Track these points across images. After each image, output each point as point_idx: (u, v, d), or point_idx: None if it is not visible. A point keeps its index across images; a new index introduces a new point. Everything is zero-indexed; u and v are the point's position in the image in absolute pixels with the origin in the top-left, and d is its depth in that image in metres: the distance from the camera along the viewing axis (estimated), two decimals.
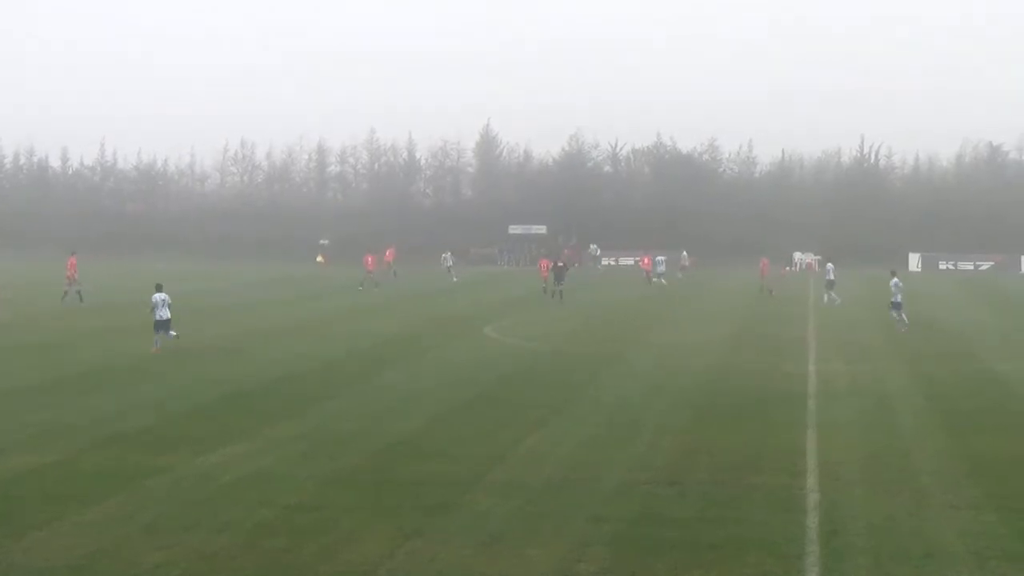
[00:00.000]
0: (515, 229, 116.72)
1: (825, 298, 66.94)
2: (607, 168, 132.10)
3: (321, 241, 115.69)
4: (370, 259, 78.64)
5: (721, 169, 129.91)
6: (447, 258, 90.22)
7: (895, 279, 52.84)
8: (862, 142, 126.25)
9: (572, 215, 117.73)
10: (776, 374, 37.36)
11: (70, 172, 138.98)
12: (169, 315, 41.97)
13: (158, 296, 41.95)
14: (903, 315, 51.70)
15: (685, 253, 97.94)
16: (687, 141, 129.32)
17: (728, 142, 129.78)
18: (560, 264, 68.81)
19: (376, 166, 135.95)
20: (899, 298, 51.98)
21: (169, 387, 33.37)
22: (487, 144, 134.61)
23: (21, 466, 23.17)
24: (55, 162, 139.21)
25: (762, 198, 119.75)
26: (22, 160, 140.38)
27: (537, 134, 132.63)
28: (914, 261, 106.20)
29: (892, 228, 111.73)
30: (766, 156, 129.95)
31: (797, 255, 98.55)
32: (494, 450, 25.02)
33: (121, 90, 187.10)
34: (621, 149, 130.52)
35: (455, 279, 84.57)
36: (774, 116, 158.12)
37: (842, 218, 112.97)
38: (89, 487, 21.49)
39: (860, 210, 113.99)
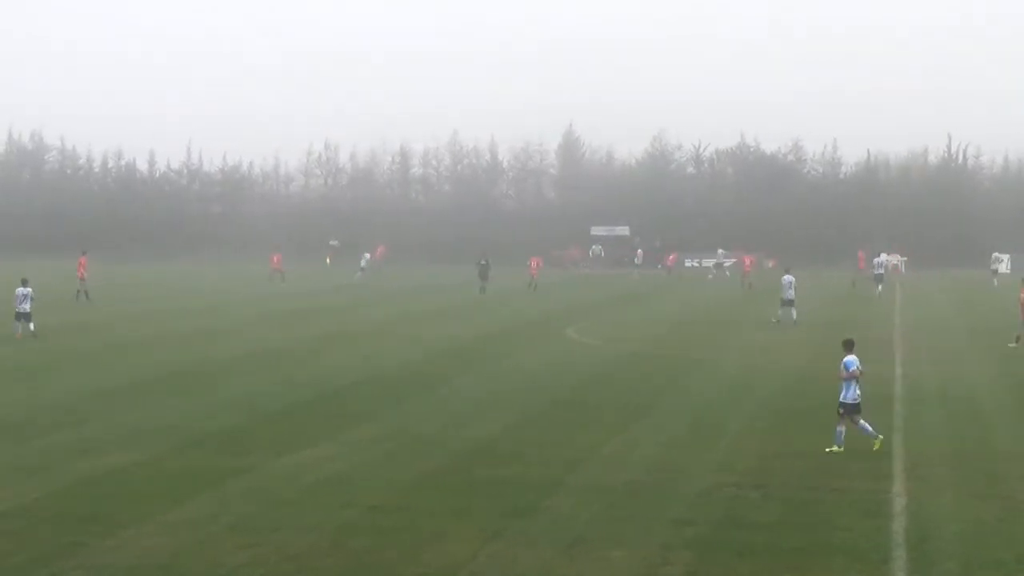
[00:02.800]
0: (598, 230, 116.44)
1: (878, 289, 72.08)
2: (690, 169, 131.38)
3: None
4: (276, 258, 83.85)
5: (805, 170, 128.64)
6: (365, 257, 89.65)
7: (788, 276, 54.16)
8: (949, 142, 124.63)
9: (655, 216, 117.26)
10: (862, 377, 36.86)
11: (157, 175, 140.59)
12: (29, 309, 45.49)
13: (21, 290, 45.54)
14: (792, 311, 53.05)
15: (721, 251, 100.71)
16: (770, 142, 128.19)
17: (811, 143, 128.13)
18: (483, 263, 73.31)
19: (459, 168, 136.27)
20: (791, 295, 53.37)
21: (253, 389, 33.66)
22: (570, 145, 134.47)
23: (110, 466, 23.48)
24: (143, 165, 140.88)
25: (847, 199, 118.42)
26: (110, 163, 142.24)
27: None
28: (1003, 262, 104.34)
29: (981, 229, 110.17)
30: (851, 157, 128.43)
31: (883, 256, 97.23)
32: (576, 452, 24.98)
33: (204, 90, 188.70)
34: (704, 150, 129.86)
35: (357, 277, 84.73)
36: (861, 116, 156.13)
37: (929, 219, 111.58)
38: (176, 487, 21.73)
39: (947, 211, 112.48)
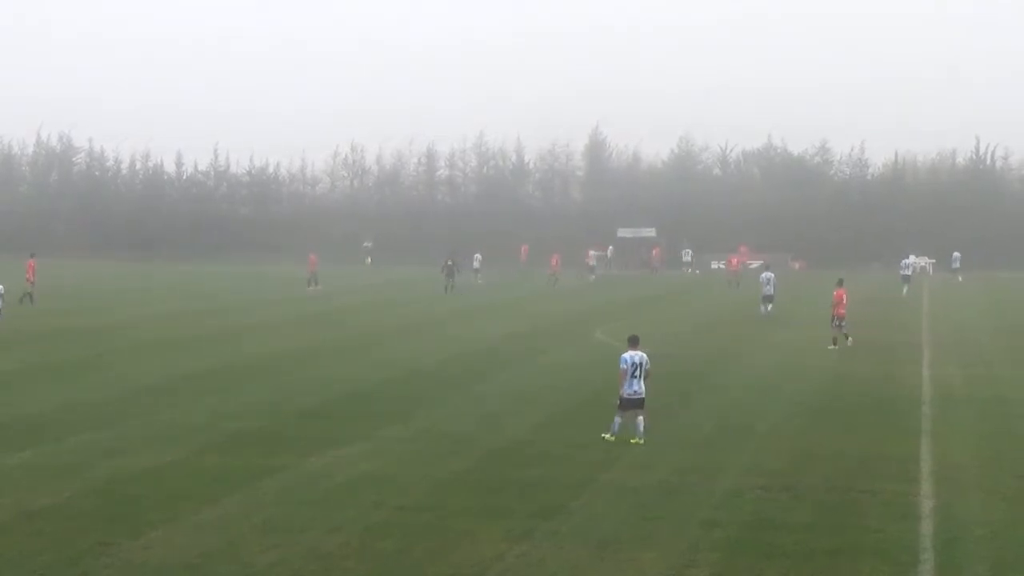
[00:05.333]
0: (624, 232, 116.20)
1: (904, 290, 74.73)
2: (716, 171, 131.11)
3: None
4: (313, 258, 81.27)
5: (832, 172, 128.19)
6: (477, 259, 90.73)
7: (767, 273, 57.60)
8: (978, 143, 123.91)
9: (682, 217, 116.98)
10: (889, 379, 36.88)
11: (184, 177, 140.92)
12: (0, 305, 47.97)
13: None
14: (769, 307, 56.23)
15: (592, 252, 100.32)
16: (797, 143, 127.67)
17: (839, 143, 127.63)
18: (449, 263, 76.53)
19: (484, 169, 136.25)
20: (770, 291, 56.41)
21: (283, 388, 33.77)
22: (596, 147, 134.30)
23: (140, 466, 23.57)
24: (170, 167, 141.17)
25: (875, 200, 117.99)
26: (138, 165, 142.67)
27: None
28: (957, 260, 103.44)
29: (1010, 231, 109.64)
30: (879, 158, 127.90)
31: (912, 257, 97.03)
32: (604, 453, 25.00)
33: (227, 89, 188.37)
34: (731, 152, 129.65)
35: (480, 281, 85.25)
36: (886, 112, 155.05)
37: (957, 221, 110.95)
38: (205, 487, 21.81)
39: (976, 213, 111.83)
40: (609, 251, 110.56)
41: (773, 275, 57.85)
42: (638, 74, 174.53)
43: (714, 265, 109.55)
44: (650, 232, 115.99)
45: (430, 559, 17.72)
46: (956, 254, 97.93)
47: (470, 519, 19.76)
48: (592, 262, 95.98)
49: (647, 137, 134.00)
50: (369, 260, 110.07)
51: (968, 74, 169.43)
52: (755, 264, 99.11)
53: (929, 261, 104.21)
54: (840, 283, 46.49)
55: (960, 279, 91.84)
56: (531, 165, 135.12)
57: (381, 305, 64.74)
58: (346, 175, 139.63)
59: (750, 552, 18.16)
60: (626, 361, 26.38)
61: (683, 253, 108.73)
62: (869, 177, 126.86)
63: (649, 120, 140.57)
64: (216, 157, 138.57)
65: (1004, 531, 19.39)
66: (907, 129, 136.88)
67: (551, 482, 22.35)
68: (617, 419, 26.25)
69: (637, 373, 26.28)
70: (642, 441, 25.73)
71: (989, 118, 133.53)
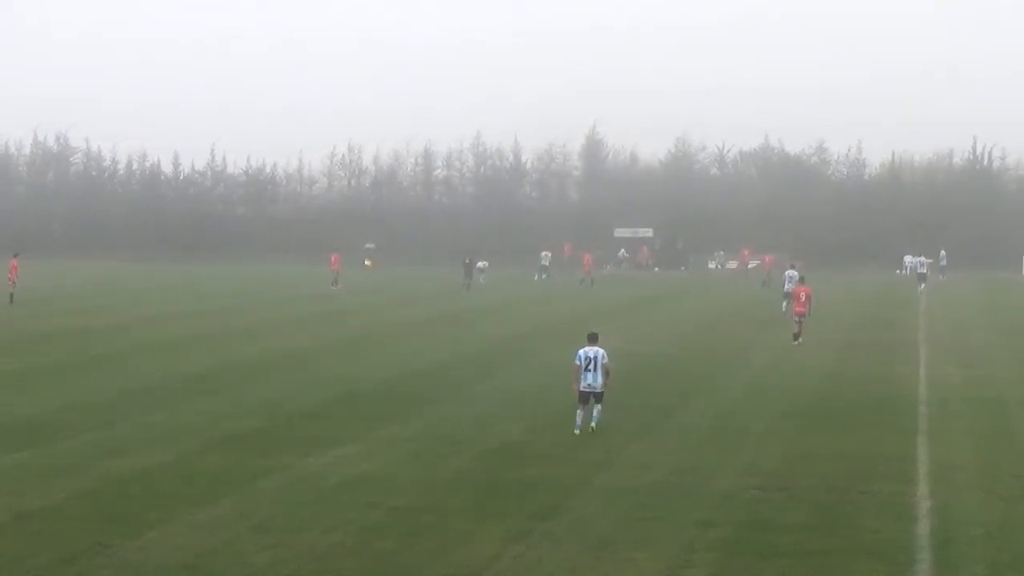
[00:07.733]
0: (621, 232, 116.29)
1: (921, 286, 75.52)
2: (714, 171, 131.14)
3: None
4: (335, 258, 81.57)
5: (830, 172, 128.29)
6: (484, 264, 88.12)
7: (792, 271, 58.31)
8: (975, 143, 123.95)
9: (679, 217, 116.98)
10: (887, 378, 36.87)
11: (181, 178, 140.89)
12: None
13: None
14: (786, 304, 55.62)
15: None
16: (794, 142, 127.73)
17: (836, 143, 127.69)
18: (467, 261, 79.79)
19: (482, 170, 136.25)
20: (791, 288, 55.85)
21: (281, 389, 33.76)
22: (593, 147, 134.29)
23: (137, 466, 23.59)
24: (167, 167, 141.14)
25: (872, 200, 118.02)
26: (135, 166, 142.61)
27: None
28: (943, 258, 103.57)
29: (1008, 231, 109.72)
30: (876, 157, 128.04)
31: (907, 258, 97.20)
32: (601, 454, 25.01)
33: (225, 88, 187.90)
34: (728, 152, 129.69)
35: (481, 280, 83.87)
36: (884, 112, 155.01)
37: (955, 221, 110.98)
38: (202, 487, 21.82)
39: (974, 213, 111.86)
40: (621, 253, 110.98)
41: (797, 273, 57.54)
42: (637, 74, 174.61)
43: (711, 265, 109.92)
44: (647, 232, 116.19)
45: (428, 559, 17.73)
46: (942, 252, 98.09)
47: (468, 519, 19.78)
48: (544, 262, 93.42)
49: (644, 137, 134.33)
50: (368, 262, 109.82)
51: (967, 74, 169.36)
52: (753, 264, 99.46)
53: (927, 260, 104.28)
54: (801, 280, 47.16)
55: (942, 278, 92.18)
56: (528, 165, 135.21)
57: (381, 305, 64.76)
58: (343, 175, 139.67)
59: (747, 552, 18.18)
60: (580, 357, 27.10)
61: (715, 255, 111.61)
62: (866, 177, 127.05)
63: (647, 120, 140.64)
64: (213, 157, 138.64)
65: (1001, 531, 19.41)
66: (904, 129, 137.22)
67: (549, 482, 22.37)
68: (579, 412, 26.89)
69: (592, 367, 26.90)
70: (594, 426, 26.70)
71: (986, 118, 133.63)
